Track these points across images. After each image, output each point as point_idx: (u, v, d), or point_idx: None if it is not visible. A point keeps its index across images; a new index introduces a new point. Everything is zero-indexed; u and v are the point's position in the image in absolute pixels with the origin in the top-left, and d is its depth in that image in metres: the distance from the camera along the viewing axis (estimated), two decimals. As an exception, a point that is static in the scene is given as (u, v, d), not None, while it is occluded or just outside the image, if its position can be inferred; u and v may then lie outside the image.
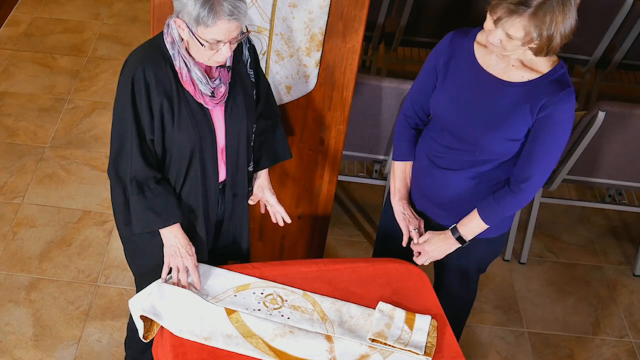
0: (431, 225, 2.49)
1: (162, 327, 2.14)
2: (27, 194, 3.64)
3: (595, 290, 3.51)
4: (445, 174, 2.34)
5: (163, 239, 2.23)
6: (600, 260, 3.67)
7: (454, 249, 2.39)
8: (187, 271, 2.22)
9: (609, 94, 4.61)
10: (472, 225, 2.34)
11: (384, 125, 3.22)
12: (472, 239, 2.38)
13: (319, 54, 2.54)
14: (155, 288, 2.17)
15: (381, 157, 3.39)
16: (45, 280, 3.24)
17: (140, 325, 2.17)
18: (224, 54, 2.04)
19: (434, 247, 2.40)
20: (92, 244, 3.42)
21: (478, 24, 2.22)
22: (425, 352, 2.13)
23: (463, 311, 2.75)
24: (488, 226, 2.32)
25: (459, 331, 2.82)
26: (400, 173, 2.50)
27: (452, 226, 2.37)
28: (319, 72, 2.59)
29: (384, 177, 3.50)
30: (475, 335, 3.23)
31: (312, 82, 2.60)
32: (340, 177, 3.45)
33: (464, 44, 2.24)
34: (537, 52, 2.07)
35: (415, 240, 2.45)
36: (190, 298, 2.15)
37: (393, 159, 2.51)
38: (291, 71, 2.57)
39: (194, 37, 2.00)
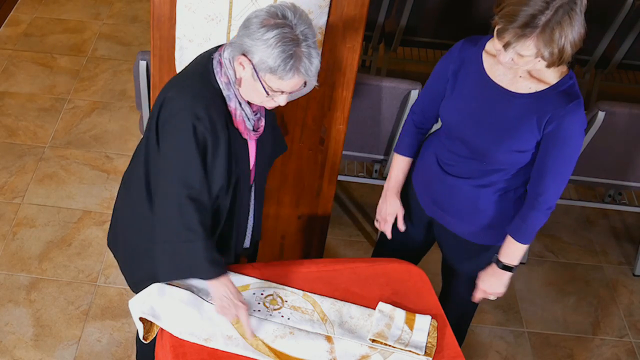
0: (442, 231, 2.48)
1: (162, 327, 2.14)
2: (27, 194, 3.64)
3: (595, 290, 3.51)
4: (455, 182, 2.33)
5: (211, 290, 2.12)
6: (600, 260, 3.67)
7: (508, 278, 2.36)
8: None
9: (608, 93, 4.61)
10: (511, 251, 2.31)
11: (383, 125, 3.21)
12: (488, 246, 2.39)
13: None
14: (155, 289, 2.17)
15: (381, 157, 3.38)
16: (45, 280, 3.24)
17: (140, 327, 2.16)
18: (280, 103, 2.00)
19: (487, 284, 2.39)
20: (92, 244, 3.42)
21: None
22: (425, 352, 2.13)
23: (469, 315, 2.75)
24: (527, 245, 2.29)
25: (464, 333, 2.83)
26: (397, 164, 2.50)
27: (494, 257, 2.36)
28: (318, 72, 2.58)
29: (384, 177, 3.50)
30: (475, 335, 3.23)
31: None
32: (340, 177, 3.45)
33: (473, 53, 2.23)
34: (549, 65, 2.04)
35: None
36: (190, 299, 2.15)
37: (394, 150, 2.52)
38: (291, 71, 2.56)
39: (258, 81, 1.95)
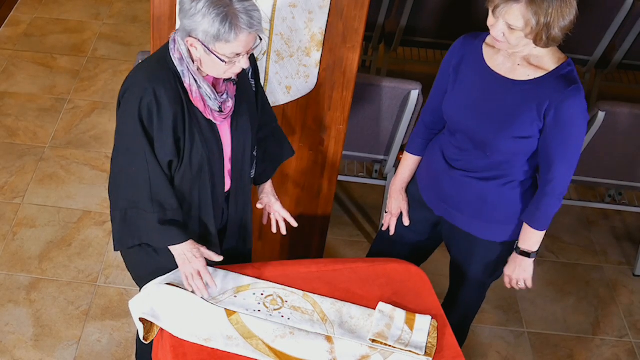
0: (451, 230, 2.49)
1: (162, 327, 2.14)
2: (27, 194, 3.64)
3: (595, 290, 3.51)
4: (462, 176, 2.34)
5: (173, 253, 2.19)
6: (600, 260, 3.67)
7: (529, 264, 2.38)
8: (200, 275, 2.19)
9: (609, 94, 4.61)
10: (528, 237, 2.33)
11: (383, 125, 3.21)
12: (496, 243, 2.40)
13: (319, 54, 2.54)
14: (154, 289, 2.17)
15: (381, 157, 3.38)
16: (45, 280, 3.24)
17: (140, 327, 2.17)
18: (242, 66, 2.02)
19: (511, 269, 2.42)
20: (92, 244, 3.42)
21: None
22: (425, 352, 2.13)
23: (472, 316, 2.75)
24: (543, 231, 2.31)
25: (466, 334, 2.83)
26: (405, 162, 2.55)
27: (515, 246, 2.38)
28: (319, 72, 2.59)
29: (384, 177, 3.50)
30: (475, 335, 3.23)
31: (312, 82, 2.60)
32: (340, 177, 3.45)
33: (474, 47, 2.26)
34: (536, 41, 2.07)
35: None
36: (190, 299, 2.15)
37: (405, 150, 2.56)
38: (291, 71, 2.57)
39: (212, 54, 1.98)
